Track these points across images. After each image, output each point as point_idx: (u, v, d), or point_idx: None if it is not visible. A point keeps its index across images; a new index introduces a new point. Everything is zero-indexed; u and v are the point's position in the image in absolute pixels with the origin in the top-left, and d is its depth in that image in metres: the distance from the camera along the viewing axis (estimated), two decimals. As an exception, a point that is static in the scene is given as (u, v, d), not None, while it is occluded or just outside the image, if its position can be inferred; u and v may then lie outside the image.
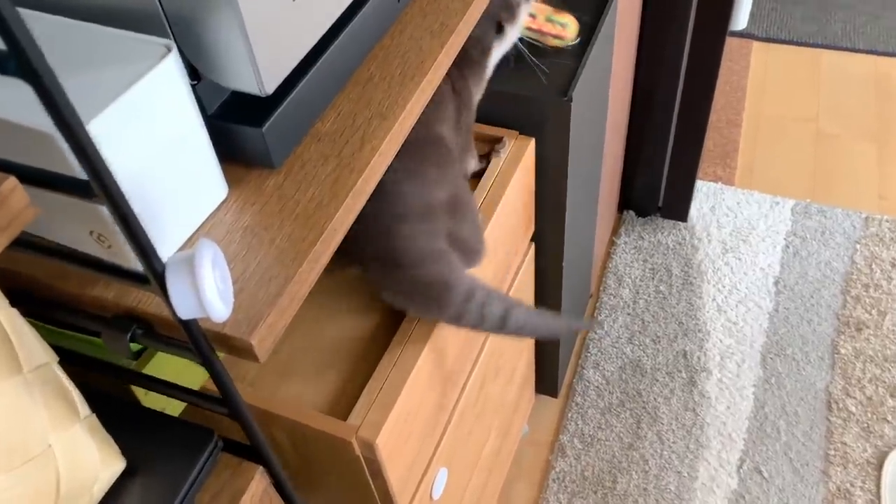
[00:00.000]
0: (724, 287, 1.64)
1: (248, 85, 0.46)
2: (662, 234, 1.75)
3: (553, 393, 1.45)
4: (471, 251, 0.79)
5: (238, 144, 0.51)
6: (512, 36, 0.88)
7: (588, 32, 1.01)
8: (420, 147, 0.72)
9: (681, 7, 1.33)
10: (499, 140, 0.95)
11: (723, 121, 1.99)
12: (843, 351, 1.52)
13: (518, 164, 0.94)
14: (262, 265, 0.47)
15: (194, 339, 0.41)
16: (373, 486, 0.75)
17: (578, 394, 1.50)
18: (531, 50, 0.96)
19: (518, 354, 1.18)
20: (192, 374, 0.74)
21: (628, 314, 1.62)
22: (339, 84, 0.57)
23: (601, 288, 1.67)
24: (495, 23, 0.84)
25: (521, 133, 0.97)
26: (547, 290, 1.21)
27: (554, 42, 0.99)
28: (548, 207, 1.07)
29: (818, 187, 1.83)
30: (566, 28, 0.98)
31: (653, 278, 1.67)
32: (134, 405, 0.58)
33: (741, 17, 1.34)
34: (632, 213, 1.80)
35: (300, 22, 0.47)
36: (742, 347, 1.54)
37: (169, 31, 0.44)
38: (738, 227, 1.75)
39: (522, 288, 1.10)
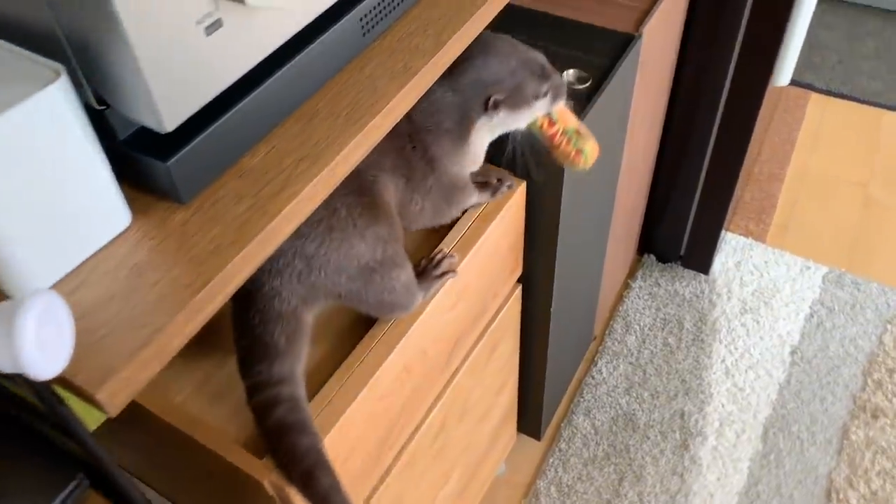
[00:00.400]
0: (736, 349, 1.56)
1: (148, 119, 0.43)
2: (681, 283, 1.68)
3: (535, 435, 1.40)
4: (381, 308, 0.75)
5: (145, 175, 0.48)
6: (509, 122, 0.77)
7: (599, 78, 0.96)
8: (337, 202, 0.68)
9: (721, 56, 1.27)
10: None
11: (765, 173, 1.90)
12: (853, 437, 1.43)
13: (505, 204, 0.89)
14: (137, 310, 0.44)
15: (35, 389, 0.39)
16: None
17: (564, 439, 1.44)
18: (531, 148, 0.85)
19: (494, 394, 1.14)
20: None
21: (630, 363, 1.55)
22: (276, 118, 0.54)
23: (607, 332, 1.61)
24: (484, 97, 0.74)
25: (514, 174, 0.93)
26: (534, 331, 1.16)
27: (560, 159, 0.83)
28: (538, 249, 1.02)
29: (856, 257, 1.72)
30: (582, 156, 0.81)
31: (663, 329, 1.60)
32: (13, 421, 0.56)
33: (784, 73, 1.26)
34: (652, 257, 1.73)
35: (213, 59, 0.44)
36: (744, 416, 1.46)
37: (71, 55, 0.42)
38: (762, 287, 1.66)
39: (504, 330, 1.06)
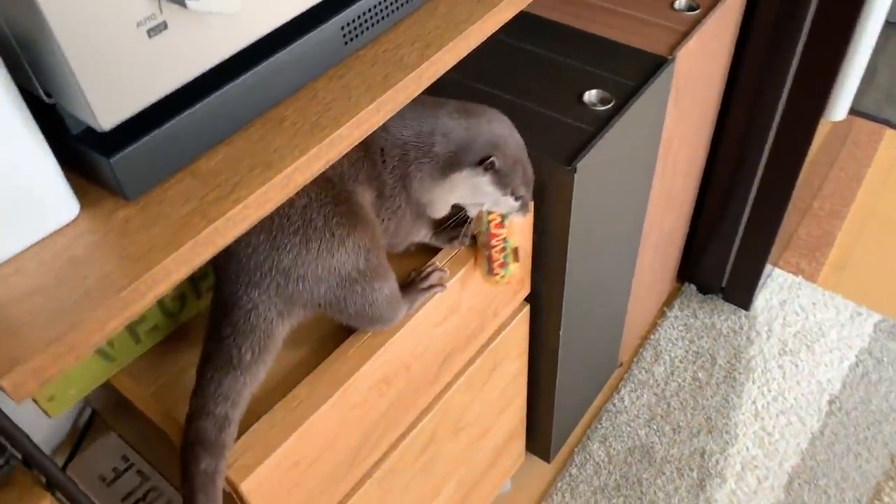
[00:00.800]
0: (769, 391, 1.49)
1: (85, 117, 0.44)
2: (719, 317, 1.61)
3: (545, 457, 1.37)
4: (362, 320, 0.74)
5: (93, 170, 0.49)
6: (483, 194, 0.76)
7: (623, 100, 0.93)
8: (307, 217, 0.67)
9: (772, 85, 1.21)
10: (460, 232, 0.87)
11: (825, 209, 1.80)
12: (886, 500, 1.34)
13: (514, 223, 0.87)
14: (61, 302, 0.45)
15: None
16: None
17: (575, 465, 1.41)
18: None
19: (497, 412, 1.12)
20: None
21: (655, 394, 1.50)
22: (239, 121, 0.55)
23: (634, 359, 1.56)
24: (485, 153, 0.73)
25: (551, 202, 0.91)
26: (542, 354, 1.14)
27: (482, 260, 0.84)
28: (546, 270, 1.00)
29: (915, 307, 1.62)
30: (503, 270, 0.84)
31: (694, 362, 1.54)
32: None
33: (840, 108, 1.19)
34: (692, 287, 1.67)
35: (156, 62, 0.45)
36: (769, 463, 1.39)
37: (16, 47, 0.43)
38: (806, 329, 1.58)
39: (507, 349, 1.04)
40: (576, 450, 1.43)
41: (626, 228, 1.14)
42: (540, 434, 1.31)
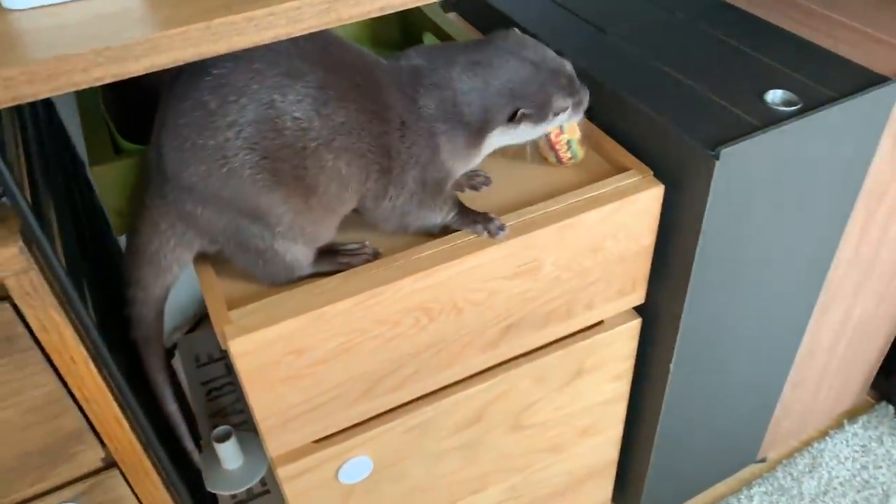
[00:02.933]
0: (948, 561, 1.16)
1: None
2: (912, 453, 1.30)
3: (632, 520, 1.19)
4: (248, 268, 0.69)
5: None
6: (525, 135, 0.72)
7: (814, 107, 0.78)
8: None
9: None
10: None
11: None
12: None
13: (631, 197, 0.77)
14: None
15: None
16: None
17: (668, 546, 1.21)
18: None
19: (577, 433, 0.99)
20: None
21: (794, 508, 1.24)
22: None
23: (783, 461, 1.31)
24: (512, 108, 0.68)
25: (655, 174, 0.79)
26: (648, 387, 0.99)
27: (549, 159, 0.82)
28: (669, 279, 0.86)
29: None
30: (571, 152, 0.80)
31: (859, 491, 1.26)
32: None
33: None
34: (890, 409, 1.37)
35: None
36: None
37: None
38: None
39: (602, 360, 0.91)
40: (675, 531, 1.23)
41: (793, 278, 0.96)
42: (630, 488, 1.15)
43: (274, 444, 0.74)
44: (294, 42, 0.60)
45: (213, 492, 1.01)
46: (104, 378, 0.61)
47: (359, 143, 0.65)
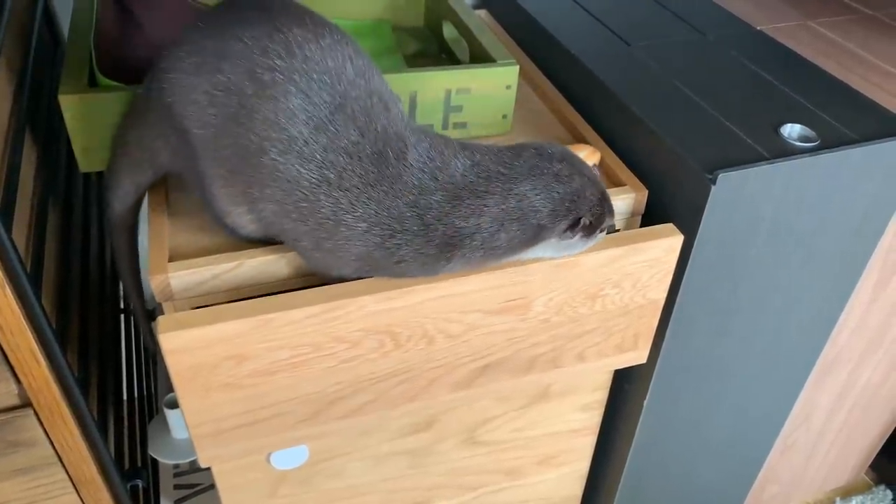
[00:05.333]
0: None
1: None
2: (904, 544, 1.21)
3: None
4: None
5: None
6: (566, 250, 0.64)
7: (832, 146, 0.72)
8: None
9: None
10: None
11: None
12: None
13: (642, 253, 0.69)
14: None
15: None
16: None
17: None
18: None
19: (536, 460, 0.93)
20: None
21: (767, 581, 1.16)
22: None
23: (764, 529, 1.23)
24: (574, 215, 0.60)
25: (650, 196, 0.74)
26: (619, 430, 0.93)
27: None
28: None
29: None
30: None
31: (840, 576, 1.17)
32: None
33: None
34: (888, 493, 1.28)
35: None
36: None
37: None
38: None
39: (572, 385, 0.85)
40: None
41: (791, 333, 0.89)
42: (592, 529, 1.08)
43: (205, 455, 0.67)
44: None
45: (155, 457, 0.98)
46: (22, 307, 0.58)
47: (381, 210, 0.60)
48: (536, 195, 0.59)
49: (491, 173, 0.59)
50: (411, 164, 0.57)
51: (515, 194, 0.58)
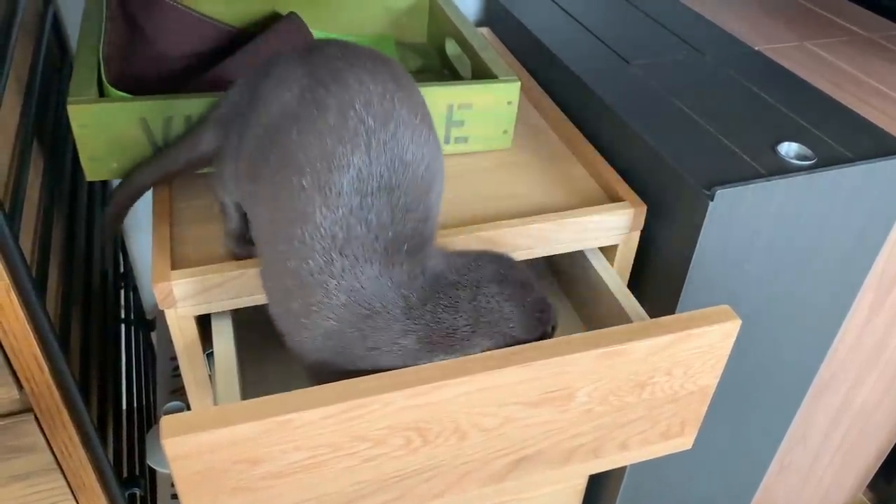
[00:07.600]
0: None
1: None
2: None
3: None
4: None
5: None
6: None
7: (829, 165, 0.73)
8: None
9: None
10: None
11: None
12: None
13: (698, 340, 0.63)
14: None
15: None
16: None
17: None
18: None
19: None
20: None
21: None
22: None
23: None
24: (547, 323, 0.60)
25: (649, 212, 0.75)
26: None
27: None
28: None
29: None
30: None
31: None
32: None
33: None
34: (886, 513, 1.28)
35: None
36: None
37: None
38: None
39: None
40: None
41: (788, 351, 0.89)
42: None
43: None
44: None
45: (153, 467, 0.99)
46: (27, 312, 0.58)
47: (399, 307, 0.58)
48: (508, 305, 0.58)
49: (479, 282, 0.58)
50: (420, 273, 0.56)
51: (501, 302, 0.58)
